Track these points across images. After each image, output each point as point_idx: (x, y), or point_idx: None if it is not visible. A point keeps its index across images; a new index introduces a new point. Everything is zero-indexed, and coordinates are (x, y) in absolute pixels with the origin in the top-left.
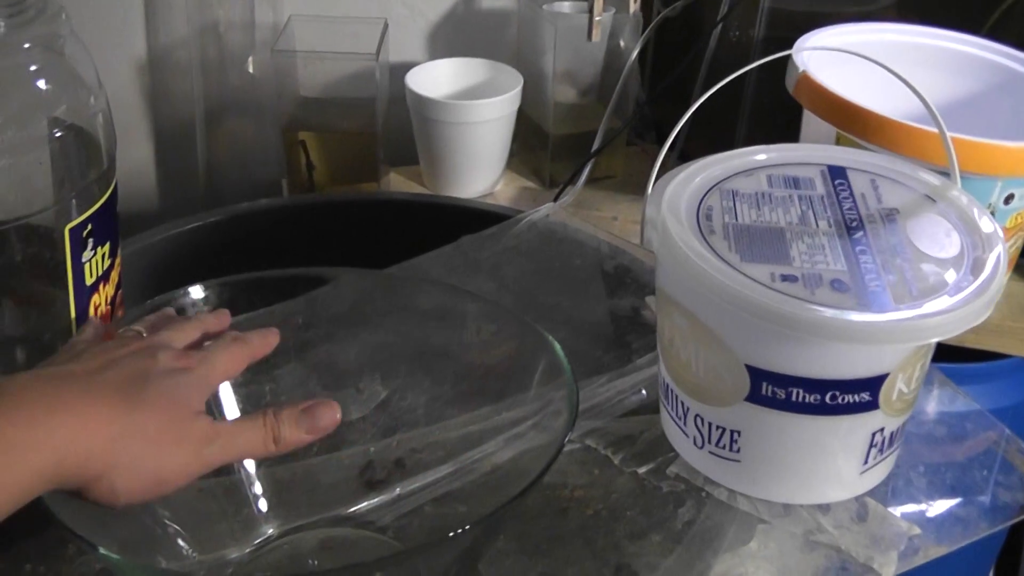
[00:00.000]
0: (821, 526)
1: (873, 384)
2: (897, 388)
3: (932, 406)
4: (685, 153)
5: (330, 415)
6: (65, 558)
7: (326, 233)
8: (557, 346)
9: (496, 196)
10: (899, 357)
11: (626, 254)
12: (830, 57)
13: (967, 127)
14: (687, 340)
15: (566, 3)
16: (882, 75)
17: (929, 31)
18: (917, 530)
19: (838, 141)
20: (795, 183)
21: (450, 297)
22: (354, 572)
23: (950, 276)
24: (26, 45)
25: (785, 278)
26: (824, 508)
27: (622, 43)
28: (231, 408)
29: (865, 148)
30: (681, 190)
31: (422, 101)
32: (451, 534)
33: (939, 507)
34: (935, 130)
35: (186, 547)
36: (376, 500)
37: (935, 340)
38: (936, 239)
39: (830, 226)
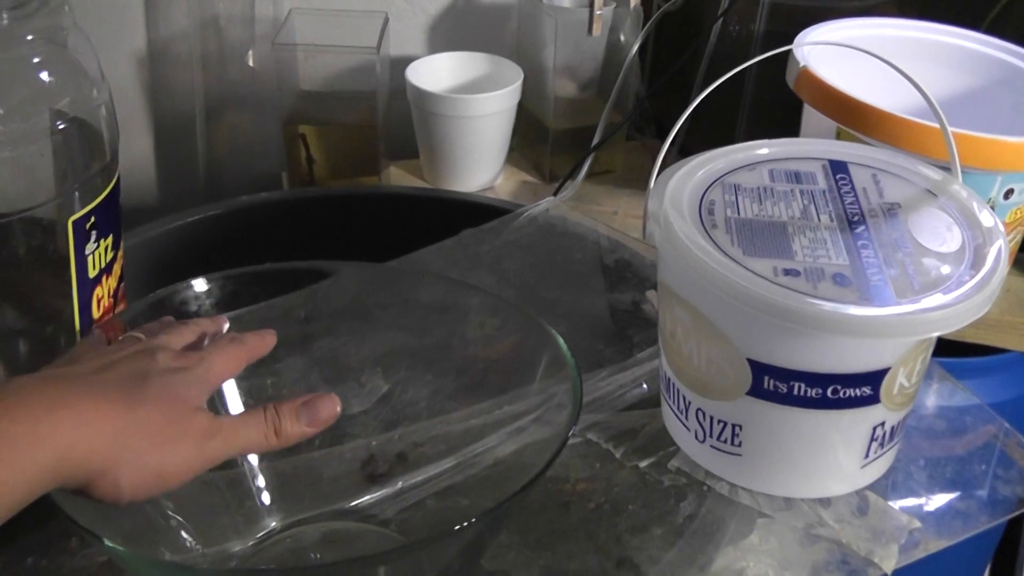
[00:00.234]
0: (822, 520)
1: (874, 378)
2: (898, 382)
3: (932, 400)
4: (685, 148)
5: (330, 408)
6: (68, 551)
7: (326, 227)
8: (560, 340)
9: (496, 190)
10: (900, 351)
11: (626, 248)
12: (831, 52)
13: (967, 122)
14: (689, 334)
15: None
16: (883, 70)
17: (930, 26)
18: (917, 523)
19: (839, 136)
20: (797, 177)
21: (452, 290)
22: (357, 565)
23: (951, 270)
24: (29, 37)
25: (787, 272)
26: (825, 502)
27: (622, 37)
28: (234, 401)
29: (866, 143)
30: (683, 184)
31: (422, 95)
32: (455, 528)
33: (939, 501)
34: (936, 125)
35: (189, 540)
36: (378, 494)
37: (936, 334)
38: (937, 233)
39: (832, 220)
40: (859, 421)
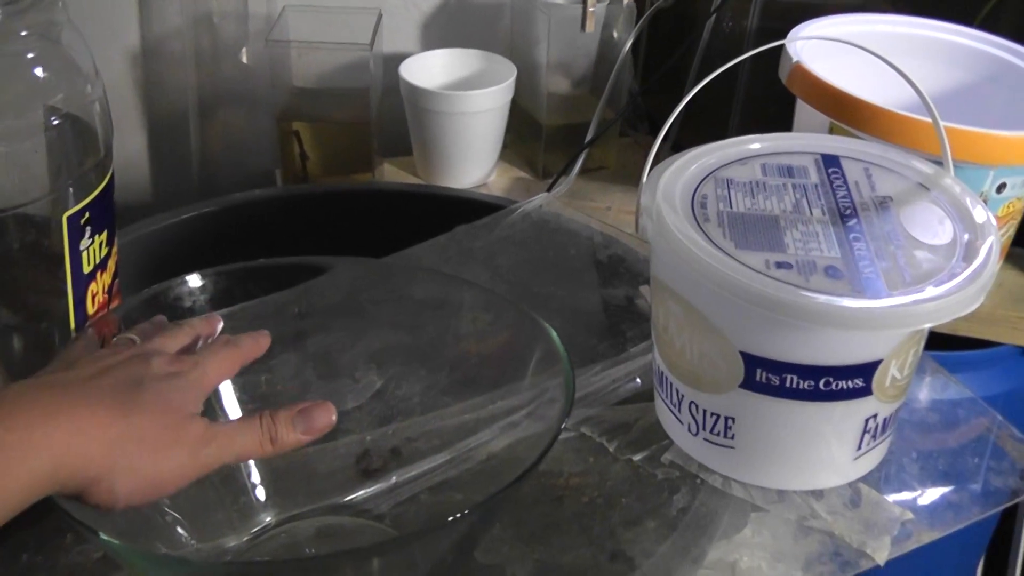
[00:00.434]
0: (815, 512)
1: (866, 370)
2: (890, 374)
3: (925, 393)
4: (678, 143)
5: (326, 416)
6: (63, 547)
7: (320, 223)
8: (554, 334)
9: (490, 187)
10: (892, 343)
11: (620, 243)
12: (823, 47)
13: (960, 117)
14: (682, 327)
15: None
16: (875, 65)
17: (922, 22)
18: (910, 515)
19: (831, 131)
20: (789, 172)
21: (446, 286)
22: (351, 558)
23: (943, 263)
24: (23, 33)
25: (779, 265)
26: (818, 494)
27: (615, 34)
28: (228, 398)
29: (858, 137)
30: (676, 179)
31: (416, 91)
32: (448, 519)
33: (932, 493)
34: (928, 119)
35: (185, 535)
36: (372, 489)
37: (928, 326)
38: (929, 226)
39: (824, 214)
40: (851, 413)
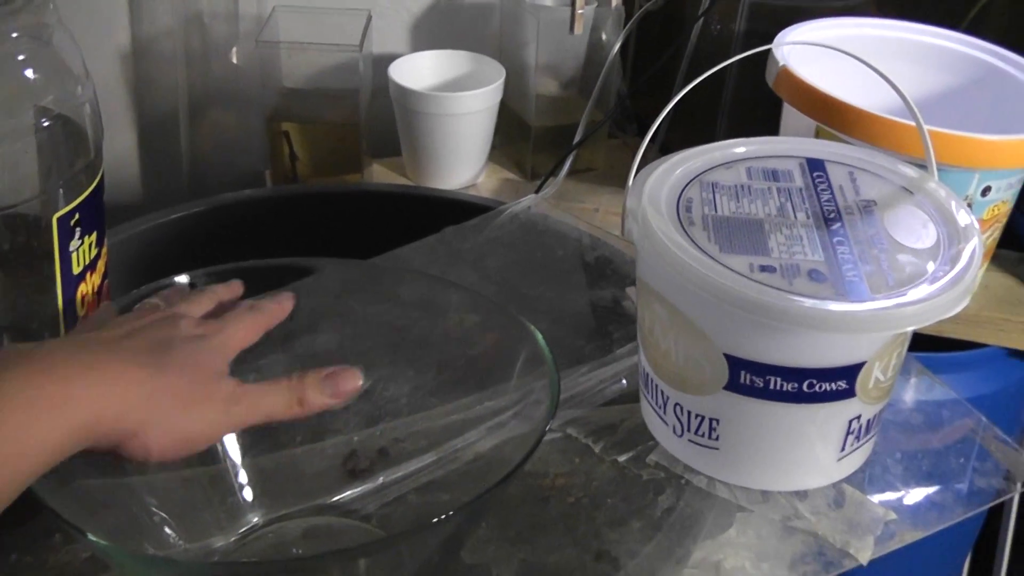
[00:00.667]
0: (799, 512)
1: (850, 372)
2: (874, 376)
3: (909, 395)
4: (666, 146)
5: (352, 381)
6: (51, 548)
7: (309, 224)
8: (539, 336)
9: (478, 188)
10: (876, 346)
11: (607, 245)
12: (810, 51)
13: (946, 120)
14: (667, 330)
15: None
16: (861, 69)
17: (909, 26)
18: (893, 515)
19: (817, 134)
20: (774, 175)
21: (433, 287)
22: (338, 558)
23: (927, 266)
24: (13, 34)
25: (764, 268)
26: (802, 495)
27: (604, 36)
28: None
29: (845, 141)
30: (661, 182)
31: (405, 93)
32: (434, 520)
33: (915, 493)
34: (913, 123)
35: (172, 535)
36: (360, 489)
37: (911, 329)
38: (913, 230)
39: (808, 218)
40: (835, 415)
